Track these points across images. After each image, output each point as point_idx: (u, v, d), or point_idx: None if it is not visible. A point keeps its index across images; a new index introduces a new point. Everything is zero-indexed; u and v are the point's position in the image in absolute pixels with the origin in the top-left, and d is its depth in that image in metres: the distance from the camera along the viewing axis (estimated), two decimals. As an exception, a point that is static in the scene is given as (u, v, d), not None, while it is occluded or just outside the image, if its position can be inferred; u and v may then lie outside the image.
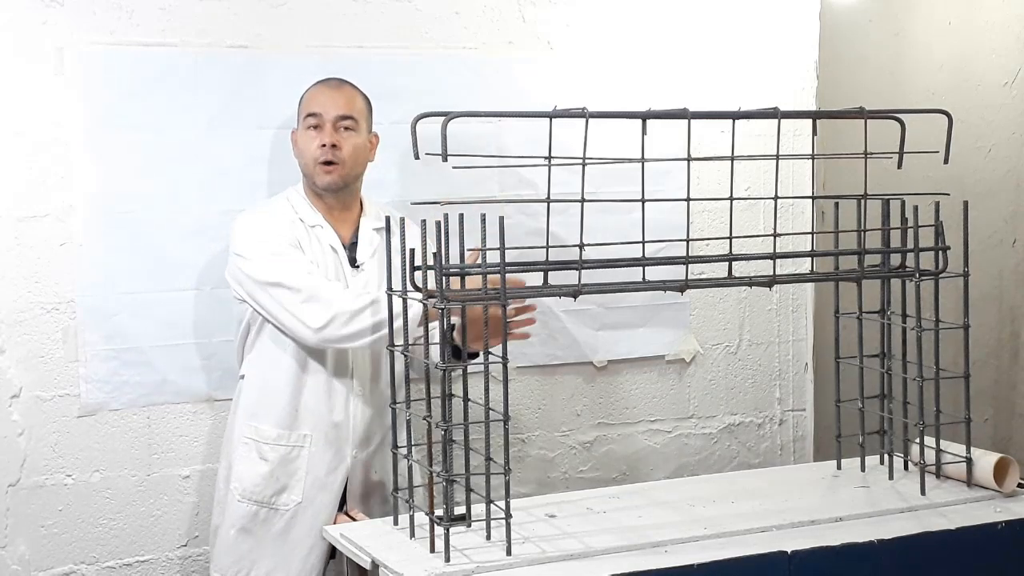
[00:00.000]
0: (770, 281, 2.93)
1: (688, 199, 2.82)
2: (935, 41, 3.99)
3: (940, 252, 3.02)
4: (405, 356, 2.85)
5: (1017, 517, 2.86)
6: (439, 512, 2.67)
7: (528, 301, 3.10)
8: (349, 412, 3.21)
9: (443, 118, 2.53)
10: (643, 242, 2.77)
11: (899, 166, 2.95)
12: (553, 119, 2.64)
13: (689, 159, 2.77)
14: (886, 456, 3.20)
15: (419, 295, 2.69)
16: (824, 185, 4.29)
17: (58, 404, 3.39)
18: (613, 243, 2.78)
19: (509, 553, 2.57)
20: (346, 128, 3.19)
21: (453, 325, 2.87)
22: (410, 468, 2.77)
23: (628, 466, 4.08)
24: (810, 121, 3.17)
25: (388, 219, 2.76)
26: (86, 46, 3.34)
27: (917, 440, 3.08)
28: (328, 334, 3.04)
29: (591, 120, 2.65)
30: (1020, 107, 3.71)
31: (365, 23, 3.64)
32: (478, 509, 2.73)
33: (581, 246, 2.69)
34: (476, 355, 2.80)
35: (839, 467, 3.27)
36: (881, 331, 3.21)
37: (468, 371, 2.72)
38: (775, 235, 2.96)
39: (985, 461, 3.01)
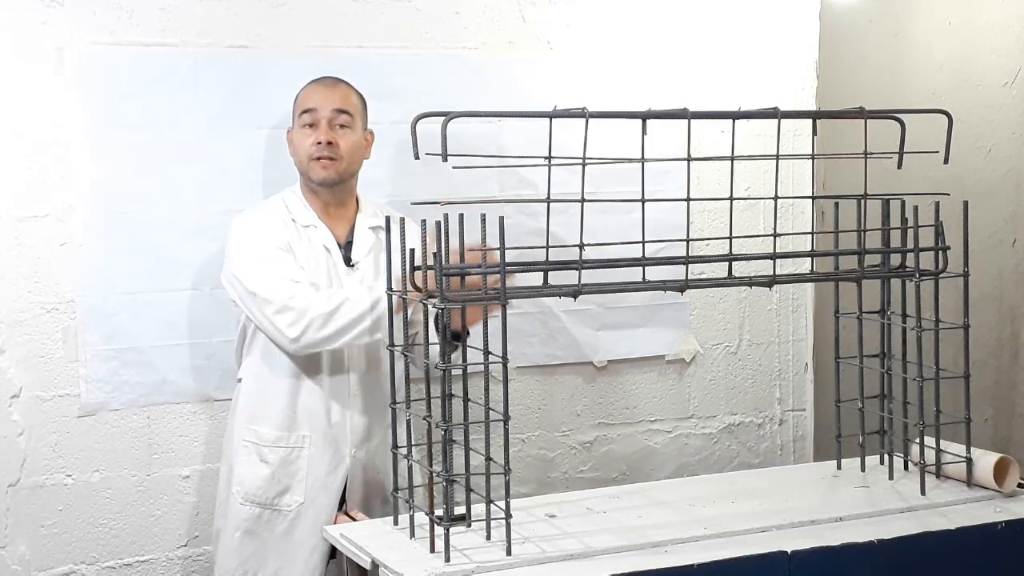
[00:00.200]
0: (770, 281, 2.93)
1: (688, 199, 2.82)
2: (935, 41, 3.99)
3: (940, 252, 3.02)
4: (405, 356, 2.85)
5: (1017, 517, 2.86)
6: (439, 512, 2.67)
7: (520, 278, 2.98)
8: (346, 411, 3.21)
9: (443, 118, 2.53)
10: (643, 242, 2.77)
11: (899, 166, 2.94)
12: (553, 119, 2.64)
13: (689, 159, 2.77)
14: (886, 456, 3.20)
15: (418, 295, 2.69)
16: (824, 185, 4.29)
17: (58, 404, 3.39)
18: (613, 243, 2.78)
19: (509, 553, 2.57)
20: (341, 125, 3.19)
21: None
22: (410, 468, 2.77)
23: (628, 466, 4.08)
24: (810, 121, 3.17)
25: (388, 219, 2.76)
26: (86, 46, 3.34)
27: (917, 440, 3.08)
28: (307, 340, 3.04)
29: (591, 120, 2.65)
30: (1020, 107, 3.70)
31: (365, 23, 3.64)
32: (478, 509, 2.73)
33: (581, 246, 2.69)
34: (458, 336, 2.80)
35: (839, 467, 3.27)
36: (881, 331, 3.21)
37: (468, 371, 2.72)
38: (775, 235, 2.96)
39: (985, 461, 3.01)
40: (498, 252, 2.54)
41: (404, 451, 2.81)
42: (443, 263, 2.55)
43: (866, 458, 3.23)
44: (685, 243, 2.82)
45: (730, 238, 2.89)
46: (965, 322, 3.06)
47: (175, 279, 3.47)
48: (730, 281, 2.94)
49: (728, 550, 2.62)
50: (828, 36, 4.27)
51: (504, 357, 2.55)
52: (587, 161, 2.65)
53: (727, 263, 2.91)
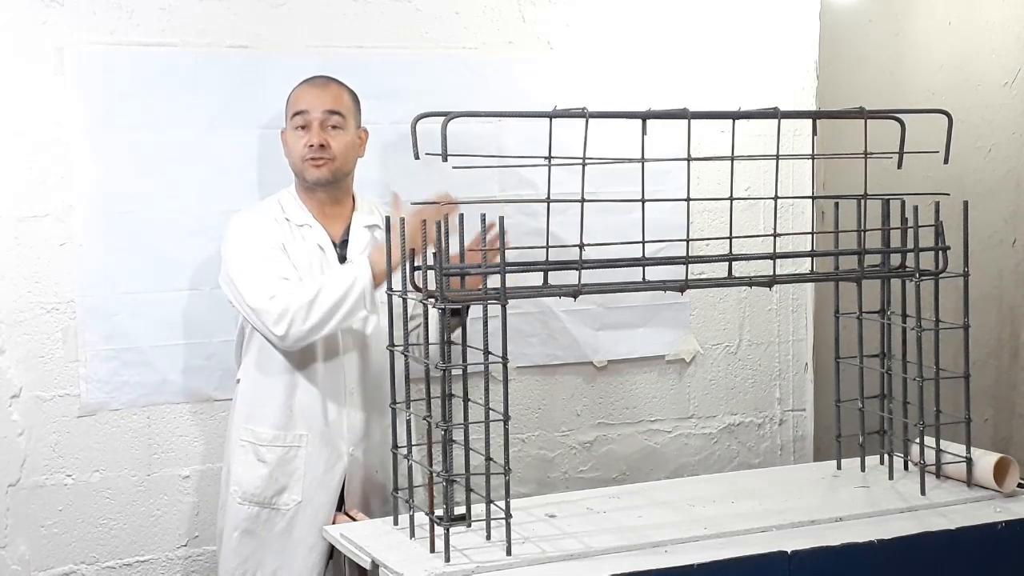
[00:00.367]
0: (770, 281, 2.93)
1: (688, 199, 2.82)
2: (935, 41, 3.99)
3: (940, 252, 3.02)
4: (405, 356, 2.86)
5: (1017, 517, 2.86)
6: (439, 512, 2.67)
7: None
8: (343, 409, 3.21)
9: (443, 118, 2.53)
10: (643, 242, 2.77)
11: (899, 166, 2.95)
12: (553, 119, 2.64)
13: (689, 159, 2.77)
14: (886, 456, 3.20)
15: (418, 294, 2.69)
16: (824, 185, 4.29)
17: (58, 404, 3.39)
18: (613, 243, 2.78)
19: (509, 553, 2.57)
20: (333, 126, 3.18)
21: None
22: (410, 468, 2.77)
23: (628, 466, 4.08)
24: (810, 121, 3.17)
25: (388, 219, 2.76)
26: (86, 46, 3.34)
27: (917, 440, 3.08)
28: (294, 334, 3.03)
29: (591, 120, 2.65)
30: (1020, 107, 3.70)
31: (365, 23, 3.64)
32: (478, 509, 2.73)
33: (581, 246, 2.69)
34: (458, 313, 2.81)
35: (839, 467, 3.27)
36: (881, 331, 3.21)
37: (468, 371, 2.72)
38: (775, 235, 2.96)
39: (985, 461, 3.01)
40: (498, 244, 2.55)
41: (404, 451, 2.81)
42: (443, 263, 2.55)
43: (866, 458, 3.23)
44: (685, 243, 2.82)
45: (730, 238, 2.89)
46: (965, 322, 3.06)
47: (175, 279, 3.47)
48: (730, 281, 2.94)
49: (728, 550, 2.62)
50: (828, 36, 4.27)
51: (504, 357, 2.55)
52: (587, 161, 2.65)
53: (727, 263, 2.91)
